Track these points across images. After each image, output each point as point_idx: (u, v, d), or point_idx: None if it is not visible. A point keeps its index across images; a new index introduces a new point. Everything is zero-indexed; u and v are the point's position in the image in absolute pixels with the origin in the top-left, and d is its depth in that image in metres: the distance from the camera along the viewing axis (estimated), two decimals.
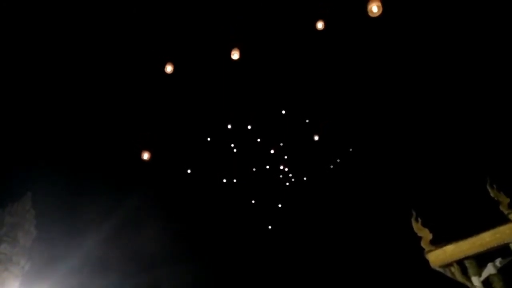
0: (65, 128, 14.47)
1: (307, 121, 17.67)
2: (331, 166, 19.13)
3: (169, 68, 10.52)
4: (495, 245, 7.82)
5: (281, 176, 18.63)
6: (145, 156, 12.04)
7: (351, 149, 18.62)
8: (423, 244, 8.79)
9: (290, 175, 18.68)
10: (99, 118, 14.98)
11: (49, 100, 13.91)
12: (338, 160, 19.01)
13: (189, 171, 16.64)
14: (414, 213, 9.05)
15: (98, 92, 14.43)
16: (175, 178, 16.32)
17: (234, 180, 17.98)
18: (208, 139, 17.07)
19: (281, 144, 17.88)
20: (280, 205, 17.10)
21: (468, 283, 8.12)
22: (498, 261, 8.24)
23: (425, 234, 8.78)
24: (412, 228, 9.19)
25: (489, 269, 8.20)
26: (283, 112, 16.44)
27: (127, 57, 13.70)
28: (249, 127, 16.89)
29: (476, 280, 8.06)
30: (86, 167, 14.51)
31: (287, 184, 18.72)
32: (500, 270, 8.19)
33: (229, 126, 16.44)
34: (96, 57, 13.61)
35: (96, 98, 14.58)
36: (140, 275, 14.20)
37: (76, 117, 14.57)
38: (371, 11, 7.27)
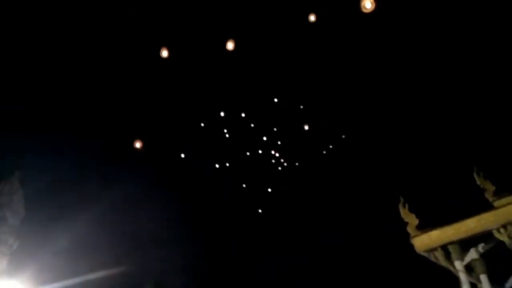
0: (57, 110, 14.35)
1: (301, 107, 17.75)
2: (324, 152, 19.31)
3: (164, 53, 10.44)
4: (479, 231, 8.02)
5: (273, 161, 18.78)
6: (137, 144, 12.06)
7: (343, 136, 18.77)
8: (409, 229, 8.96)
9: (282, 160, 18.83)
10: (91, 100, 14.87)
11: (41, 81, 13.75)
12: (331, 146, 19.17)
13: (182, 155, 16.71)
14: (401, 199, 9.19)
15: (91, 76, 14.29)
16: (167, 162, 16.37)
17: (227, 164, 18.09)
18: (202, 124, 17.12)
19: (275, 129, 17.99)
20: (270, 190, 17.27)
21: (451, 267, 8.35)
22: (480, 247, 8.47)
23: (412, 220, 8.95)
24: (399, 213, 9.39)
25: (472, 254, 8.43)
26: (276, 100, 16.50)
27: (121, 40, 13.55)
28: (242, 114, 16.95)
29: (458, 264, 8.29)
30: (77, 149, 14.43)
31: (279, 168, 18.89)
32: (482, 255, 8.42)
33: (222, 114, 16.53)
34: (89, 39, 13.43)
35: (88, 82, 14.45)
36: (131, 257, 14.30)
37: (68, 99, 14.45)
38: (364, 7, 7.32)
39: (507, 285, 9.29)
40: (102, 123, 15.32)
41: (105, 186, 14.29)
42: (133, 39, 13.43)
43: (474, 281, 8.52)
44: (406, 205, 9.14)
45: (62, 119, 14.33)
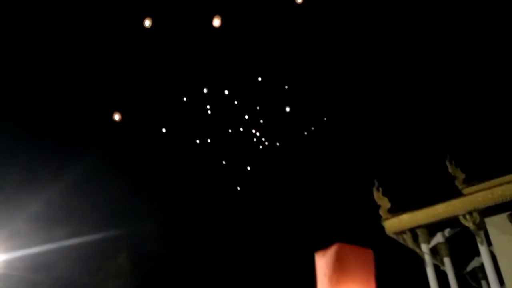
0: (31, 81, 13.93)
1: (286, 87, 17.75)
2: (305, 133, 19.48)
3: (147, 23, 10.16)
4: (446, 216, 8.34)
5: (254, 140, 18.84)
6: (116, 117, 11.84)
7: (325, 118, 18.93)
8: (381, 212, 9.24)
9: (263, 139, 18.91)
10: (67, 72, 14.48)
11: (13, 51, 13.26)
12: (312, 128, 19.33)
13: (164, 130, 16.57)
14: (376, 183, 9.43)
15: (68, 45, 13.84)
16: (146, 136, 16.24)
17: (208, 140, 18.07)
18: (184, 99, 16.94)
19: (258, 108, 17.97)
20: (249, 168, 17.39)
21: (417, 249, 8.71)
22: (447, 231, 8.86)
23: (384, 203, 9.21)
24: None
25: (438, 238, 8.82)
26: (259, 79, 16.42)
27: (103, 7, 13.11)
28: (226, 92, 16.83)
29: (424, 247, 8.66)
30: (51, 119, 14.11)
31: (260, 147, 18.99)
32: (447, 239, 8.82)
33: (205, 90, 16.37)
34: (68, 8, 12.94)
35: (65, 52, 14.02)
36: (104, 226, 14.31)
37: (42, 70, 14.02)
38: None
39: (468, 268, 9.83)
40: (80, 93, 15.00)
41: (80, 156, 14.09)
42: (116, 6, 13.02)
43: (438, 263, 8.96)
44: (380, 189, 9.39)
45: (37, 93, 13.96)
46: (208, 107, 17.48)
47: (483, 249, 7.83)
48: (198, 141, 18.01)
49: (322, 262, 2.85)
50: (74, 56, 14.47)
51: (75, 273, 16.37)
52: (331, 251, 2.80)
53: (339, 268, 2.73)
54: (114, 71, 15.06)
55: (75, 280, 16.93)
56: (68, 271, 15.58)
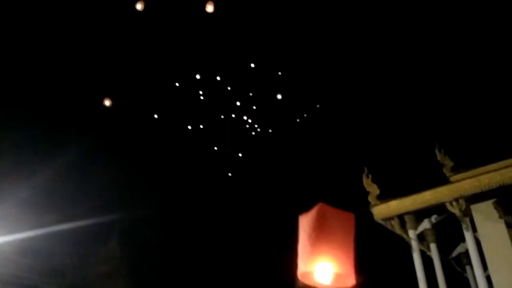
0: (20, 66, 13.70)
1: (279, 73, 17.69)
2: (298, 120, 19.51)
3: (139, 6, 9.99)
4: (434, 203, 8.46)
5: (247, 126, 18.84)
6: (107, 103, 11.72)
7: (318, 106, 18.95)
8: (370, 198, 9.34)
9: (256, 126, 18.91)
10: (57, 56, 14.25)
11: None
12: (305, 115, 19.35)
13: (156, 116, 16.49)
14: (366, 169, 9.52)
15: (58, 31, 13.59)
16: (137, 122, 16.15)
17: (200, 126, 18.04)
18: (177, 84, 16.82)
19: (250, 94, 17.93)
20: (240, 154, 17.43)
21: (404, 235, 8.86)
22: (433, 218, 9.01)
23: (373, 190, 9.31)
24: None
25: (425, 224, 8.98)
26: (252, 65, 16.35)
27: None
28: (218, 78, 16.74)
29: (412, 233, 8.81)
30: (42, 105, 13.95)
31: (253, 133, 19.00)
32: (434, 225, 8.98)
33: (198, 76, 16.27)
34: None
35: (55, 37, 13.76)
36: (96, 211, 14.33)
37: (32, 55, 13.78)
38: None
39: (453, 254, 10.05)
40: (70, 78, 14.81)
41: (70, 141, 14.01)
42: None
43: (424, 249, 9.14)
44: (370, 176, 9.49)
45: (26, 77, 13.74)
46: (200, 92, 17.43)
47: (468, 235, 7.99)
48: (190, 127, 18.01)
49: (305, 222, 2.97)
50: (64, 40, 14.24)
51: (65, 258, 16.46)
52: (313, 211, 2.92)
53: (319, 226, 2.83)
54: (105, 57, 14.88)
55: (65, 264, 17.03)
56: (59, 256, 15.66)
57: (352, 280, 2.86)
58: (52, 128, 14.33)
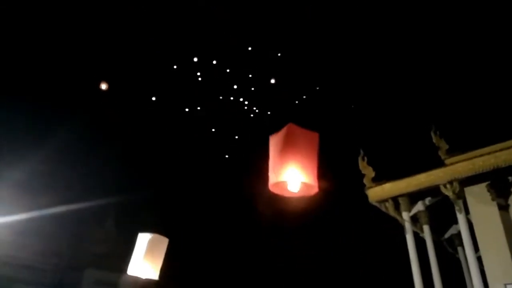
0: (15, 45, 13.51)
1: (279, 54, 17.53)
2: (296, 102, 19.43)
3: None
4: (428, 185, 8.51)
5: (245, 108, 18.78)
6: (103, 86, 11.63)
7: (317, 88, 18.85)
8: (365, 181, 9.41)
9: (255, 108, 18.86)
10: (54, 36, 14.04)
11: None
12: (304, 97, 19.27)
13: (153, 98, 16.43)
14: (361, 152, 9.55)
15: (56, 10, 13.35)
16: (135, 104, 16.08)
17: (198, 108, 17.99)
18: (175, 67, 16.69)
19: (250, 76, 17.81)
20: (236, 137, 17.44)
21: (398, 217, 8.96)
22: (427, 200, 9.10)
23: (368, 172, 9.37)
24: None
25: (419, 206, 9.07)
26: (250, 48, 16.19)
27: None
28: (217, 60, 16.61)
29: (405, 215, 8.90)
30: (37, 87, 13.81)
31: (252, 116, 18.96)
32: (427, 208, 9.08)
33: (195, 59, 16.16)
34: None
35: (53, 17, 13.54)
36: (92, 194, 14.39)
37: (28, 34, 13.57)
38: None
39: (446, 235, 10.19)
40: (68, 59, 14.66)
41: (65, 123, 13.95)
42: None
43: (417, 230, 9.26)
44: (365, 158, 9.53)
45: (24, 59, 13.58)
46: (198, 74, 17.31)
47: (461, 217, 8.07)
48: (187, 109, 17.96)
49: (275, 140, 3.33)
50: (62, 20, 14.03)
51: (62, 239, 16.64)
52: (283, 130, 3.29)
53: (288, 142, 3.20)
54: (104, 38, 14.70)
55: (62, 245, 17.24)
56: (55, 237, 15.82)
57: (315, 189, 3.26)
58: (48, 110, 14.26)
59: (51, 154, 13.08)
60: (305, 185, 3.22)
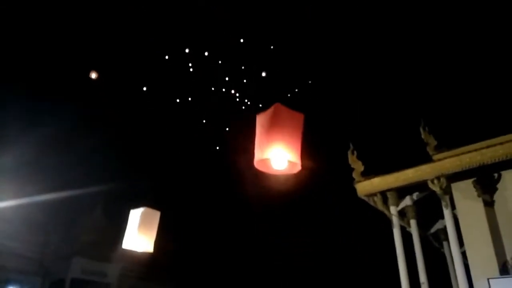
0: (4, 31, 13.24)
1: (271, 47, 17.45)
2: (288, 95, 19.44)
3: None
4: (416, 181, 8.62)
5: (237, 100, 18.72)
6: (93, 75, 11.46)
7: (310, 81, 18.85)
8: (354, 175, 9.50)
9: (246, 100, 18.81)
10: (43, 23, 13.79)
11: None
12: (296, 90, 19.27)
13: (144, 88, 16.29)
14: (351, 146, 9.62)
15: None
16: (125, 93, 15.93)
17: (189, 99, 17.87)
18: (166, 57, 16.54)
19: (242, 68, 17.73)
20: (227, 129, 17.40)
21: (386, 211, 9.07)
22: (415, 195, 9.23)
23: (358, 166, 9.45)
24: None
25: (406, 201, 9.20)
26: (242, 40, 16.09)
27: None
28: (210, 51, 16.48)
29: (393, 209, 9.02)
30: (24, 74, 13.57)
31: (243, 108, 18.91)
32: (415, 202, 9.21)
33: (187, 50, 16.02)
34: None
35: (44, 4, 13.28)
36: (80, 182, 14.27)
37: (17, 21, 13.30)
38: None
39: (432, 230, 10.36)
40: (58, 46, 14.42)
41: (54, 110, 13.76)
42: None
43: (404, 224, 9.40)
44: (355, 152, 9.60)
45: (12, 44, 13.30)
46: (190, 65, 17.17)
47: (447, 212, 8.19)
48: (178, 100, 17.82)
49: (262, 118, 3.45)
50: (54, 8, 13.77)
51: (49, 227, 16.50)
52: (270, 109, 3.42)
53: (274, 121, 3.33)
54: (94, 27, 14.49)
55: (49, 233, 17.10)
56: (42, 225, 15.67)
57: (298, 167, 3.38)
58: (36, 98, 14.05)
59: (39, 141, 12.91)
60: (289, 162, 3.33)
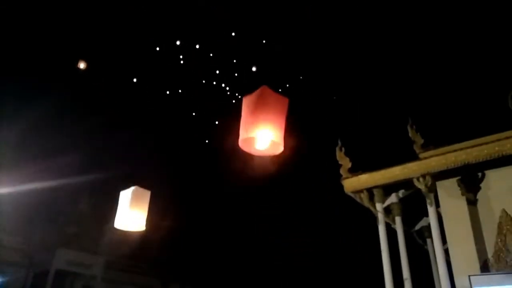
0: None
1: (264, 41, 17.41)
2: (279, 90, 19.42)
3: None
4: (402, 178, 8.71)
5: (228, 93, 18.65)
6: (82, 65, 11.29)
7: (301, 77, 18.87)
8: (342, 171, 9.55)
9: (237, 94, 18.76)
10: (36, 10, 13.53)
11: None
12: (288, 85, 19.27)
13: (135, 80, 16.15)
14: (339, 142, 9.66)
15: None
16: (115, 83, 15.75)
17: (179, 91, 17.76)
18: (157, 49, 16.38)
19: (234, 61, 17.66)
20: (217, 122, 17.36)
21: (372, 208, 9.16)
22: (401, 192, 9.32)
23: (345, 163, 9.51)
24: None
25: (392, 198, 9.29)
26: (233, 34, 16.02)
27: None
28: (201, 44, 16.38)
29: (379, 206, 9.11)
30: (13, 58, 13.29)
31: (233, 102, 18.86)
32: (400, 200, 9.31)
33: (178, 42, 15.91)
34: None
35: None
36: (64, 173, 14.08)
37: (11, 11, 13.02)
38: None
39: (416, 227, 10.51)
40: (50, 34, 14.18)
41: (44, 95, 13.52)
42: None
43: (389, 221, 9.49)
44: (343, 149, 9.66)
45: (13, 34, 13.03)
46: (181, 57, 17.03)
47: (431, 210, 8.30)
48: (168, 92, 17.70)
49: (248, 100, 3.60)
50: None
51: (33, 217, 16.27)
52: (257, 92, 3.57)
53: (260, 103, 3.47)
54: (87, 17, 14.28)
55: (33, 223, 16.87)
56: (26, 215, 15.44)
57: (281, 147, 3.53)
58: (23, 83, 13.79)
59: (23, 129, 12.68)
60: (272, 143, 3.47)
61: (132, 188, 5.65)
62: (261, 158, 3.86)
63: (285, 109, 3.60)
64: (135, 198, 5.53)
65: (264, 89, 3.56)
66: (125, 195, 5.62)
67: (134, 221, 5.50)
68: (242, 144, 3.52)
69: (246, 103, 3.59)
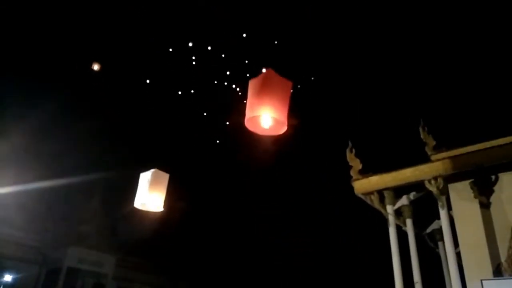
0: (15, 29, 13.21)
1: (275, 42, 17.42)
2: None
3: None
4: (413, 180, 8.61)
5: (240, 94, 18.70)
6: (95, 67, 11.44)
7: (312, 78, 18.82)
8: (352, 172, 9.50)
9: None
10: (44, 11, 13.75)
11: None
12: (299, 86, 19.25)
13: (147, 81, 16.33)
14: (350, 143, 9.61)
15: None
16: (126, 83, 15.93)
17: (192, 91, 17.88)
18: (170, 49, 16.54)
19: (246, 62, 17.71)
20: (228, 123, 17.43)
21: (382, 210, 9.08)
22: (412, 194, 9.23)
23: (356, 164, 9.45)
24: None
25: (403, 200, 9.20)
26: (244, 35, 16.09)
27: None
28: (213, 45, 16.48)
29: (389, 208, 9.03)
30: (21, 58, 13.51)
31: (244, 102, 18.89)
32: (411, 202, 9.21)
33: (190, 44, 16.06)
34: None
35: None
36: (75, 172, 14.22)
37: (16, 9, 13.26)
38: None
39: (428, 230, 10.39)
40: (59, 36, 14.40)
41: (52, 97, 13.71)
42: None
43: (400, 224, 9.40)
44: (353, 150, 9.59)
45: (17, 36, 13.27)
46: (193, 58, 17.15)
47: (443, 213, 8.19)
48: (180, 92, 17.82)
49: (254, 82, 3.75)
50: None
51: (46, 215, 16.51)
52: (262, 74, 3.75)
53: (265, 84, 3.64)
54: (99, 18, 14.47)
55: (47, 221, 17.12)
56: (39, 212, 15.66)
57: (284, 127, 3.70)
58: (32, 84, 14.01)
59: (37, 128, 12.88)
60: (276, 122, 3.63)
61: (152, 170, 5.91)
62: (265, 137, 4.10)
63: (289, 91, 3.77)
64: (154, 179, 5.83)
65: (269, 72, 3.73)
66: (145, 177, 5.90)
67: (153, 202, 5.78)
68: (248, 123, 3.67)
69: (252, 85, 3.74)
